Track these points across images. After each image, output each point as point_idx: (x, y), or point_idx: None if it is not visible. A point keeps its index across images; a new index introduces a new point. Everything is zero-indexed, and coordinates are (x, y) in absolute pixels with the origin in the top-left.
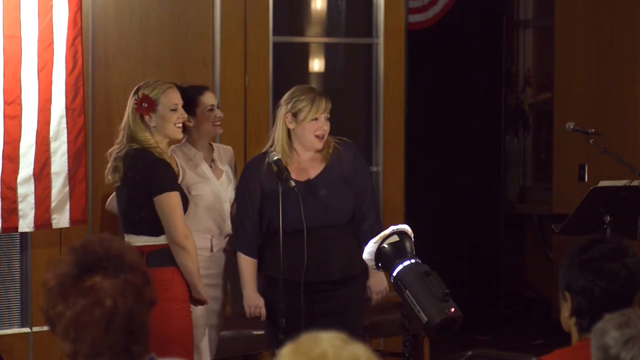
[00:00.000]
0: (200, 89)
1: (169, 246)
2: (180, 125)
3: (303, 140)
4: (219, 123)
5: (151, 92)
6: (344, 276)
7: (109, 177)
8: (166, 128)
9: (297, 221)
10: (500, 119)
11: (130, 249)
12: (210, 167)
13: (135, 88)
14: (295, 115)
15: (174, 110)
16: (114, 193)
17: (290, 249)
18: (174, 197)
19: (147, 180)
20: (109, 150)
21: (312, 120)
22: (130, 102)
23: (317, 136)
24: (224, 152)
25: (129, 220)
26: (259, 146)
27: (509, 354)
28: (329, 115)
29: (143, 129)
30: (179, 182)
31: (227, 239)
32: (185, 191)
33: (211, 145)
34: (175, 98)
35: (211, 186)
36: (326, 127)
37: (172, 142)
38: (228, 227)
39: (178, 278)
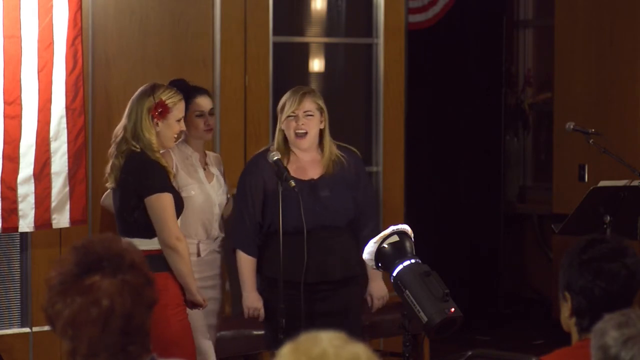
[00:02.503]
0: (195, 93)
1: (161, 249)
2: (176, 136)
3: (289, 139)
4: (207, 129)
5: (168, 100)
6: (344, 276)
7: (109, 173)
8: (167, 137)
9: (297, 221)
10: (500, 119)
11: (133, 249)
12: (204, 169)
13: (146, 89)
14: (281, 113)
15: (179, 121)
16: (109, 189)
17: (290, 249)
18: (165, 198)
19: (138, 180)
20: (109, 151)
21: (289, 117)
22: (138, 102)
23: (296, 134)
24: (214, 158)
25: (123, 222)
26: (259, 146)
27: (509, 354)
28: (310, 113)
29: (151, 130)
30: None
31: (216, 241)
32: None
33: (204, 151)
34: (183, 111)
35: (202, 189)
36: (306, 125)
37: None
38: (216, 230)
39: (171, 283)
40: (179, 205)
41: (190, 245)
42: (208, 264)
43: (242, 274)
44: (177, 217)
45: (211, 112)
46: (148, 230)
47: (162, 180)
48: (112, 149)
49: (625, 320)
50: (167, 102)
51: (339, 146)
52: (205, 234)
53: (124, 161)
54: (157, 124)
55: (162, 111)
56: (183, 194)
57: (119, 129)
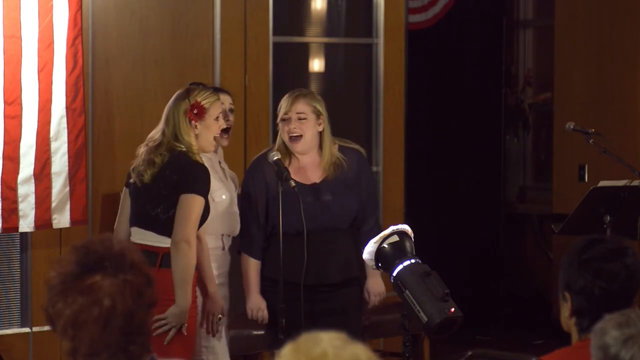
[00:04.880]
0: (216, 91)
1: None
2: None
3: (285, 141)
4: (227, 126)
5: (203, 100)
6: (343, 279)
7: (139, 170)
8: (206, 139)
9: (297, 223)
10: (500, 119)
11: (133, 249)
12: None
13: (181, 93)
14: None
15: (217, 120)
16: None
17: (290, 251)
18: (198, 202)
19: (183, 178)
20: (139, 151)
21: (283, 120)
22: (174, 106)
23: (290, 137)
24: (220, 154)
25: (149, 217)
26: (259, 146)
27: (509, 354)
28: (303, 116)
29: (190, 133)
30: None
31: (230, 238)
32: (209, 196)
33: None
34: (219, 109)
35: (229, 191)
36: (298, 129)
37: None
38: (238, 229)
39: None
40: (206, 214)
41: (215, 240)
42: (226, 261)
43: (248, 277)
44: (201, 224)
45: (231, 109)
46: (166, 228)
47: (204, 183)
48: (142, 149)
49: (625, 320)
50: (202, 102)
51: (342, 146)
52: (230, 231)
53: (168, 158)
54: (196, 126)
55: (198, 112)
56: (216, 200)
57: (156, 133)
